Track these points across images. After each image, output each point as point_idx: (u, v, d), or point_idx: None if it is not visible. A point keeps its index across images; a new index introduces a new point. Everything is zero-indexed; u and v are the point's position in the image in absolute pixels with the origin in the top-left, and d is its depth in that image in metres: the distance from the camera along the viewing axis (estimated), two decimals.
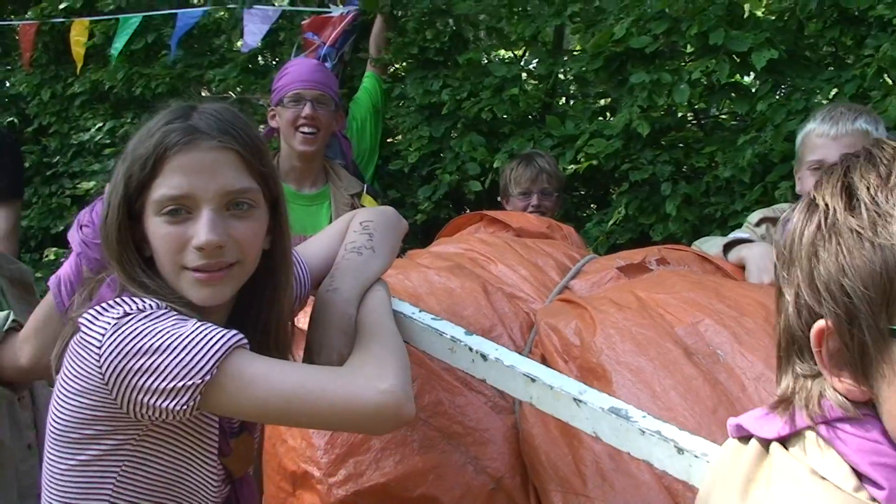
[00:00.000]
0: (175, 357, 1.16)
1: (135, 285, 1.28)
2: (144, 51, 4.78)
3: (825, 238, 0.79)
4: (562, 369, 1.52)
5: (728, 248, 2.05)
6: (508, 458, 1.57)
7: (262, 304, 1.39)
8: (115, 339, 1.17)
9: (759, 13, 3.39)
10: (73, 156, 5.17)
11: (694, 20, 2.97)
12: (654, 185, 3.14)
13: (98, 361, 1.18)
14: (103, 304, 1.23)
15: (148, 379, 1.16)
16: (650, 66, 3.09)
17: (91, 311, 1.23)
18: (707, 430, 1.28)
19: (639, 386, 1.45)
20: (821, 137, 2.15)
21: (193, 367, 1.16)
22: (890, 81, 2.84)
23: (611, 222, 3.22)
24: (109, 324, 1.19)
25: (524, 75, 3.83)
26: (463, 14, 3.79)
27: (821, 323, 0.79)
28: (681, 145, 3.20)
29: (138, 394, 1.17)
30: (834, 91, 2.90)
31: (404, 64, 3.93)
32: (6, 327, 1.77)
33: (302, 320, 1.53)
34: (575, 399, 1.25)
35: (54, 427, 1.26)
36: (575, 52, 3.83)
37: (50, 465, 1.29)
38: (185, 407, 1.17)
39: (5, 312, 1.81)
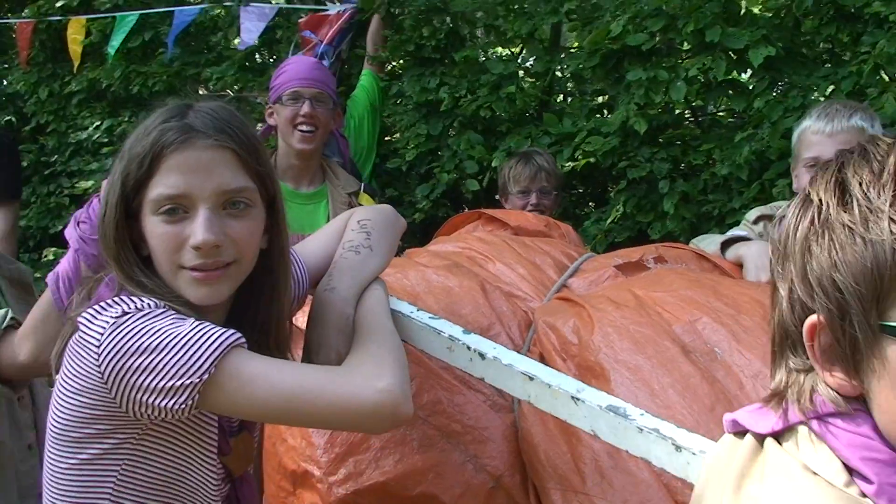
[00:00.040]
0: (173, 356, 1.17)
1: (133, 284, 1.28)
2: (141, 49, 4.78)
3: (818, 233, 0.80)
4: (560, 368, 1.52)
5: (726, 245, 2.05)
6: (508, 457, 1.57)
7: (260, 303, 1.39)
8: (113, 338, 1.18)
9: (755, 10, 3.40)
10: (70, 155, 5.16)
11: (690, 17, 2.97)
12: (652, 182, 3.14)
13: (97, 360, 1.18)
14: (102, 304, 1.23)
15: (146, 378, 1.17)
16: (647, 63, 3.10)
17: (90, 310, 1.23)
18: (705, 428, 1.28)
19: (637, 384, 1.46)
20: (816, 134, 2.16)
21: (191, 366, 1.17)
22: (886, 78, 2.84)
23: (609, 220, 3.22)
24: (108, 323, 1.19)
25: (521, 73, 3.82)
26: (460, 11, 3.79)
27: (813, 318, 0.80)
28: (678, 143, 3.21)
29: (137, 392, 1.17)
30: (831, 88, 2.90)
31: (401, 61, 3.92)
32: (4, 325, 1.77)
33: (300, 319, 1.53)
34: (573, 397, 1.26)
35: (54, 426, 1.26)
36: (572, 50, 3.83)
37: (51, 464, 1.29)
38: (183, 406, 1.17)
39: (3, 310, 1.81)
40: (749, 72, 3.16)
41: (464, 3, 3.75)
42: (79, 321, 1.23)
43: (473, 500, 1.53)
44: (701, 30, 2.94)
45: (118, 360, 1.17)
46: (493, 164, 3.40)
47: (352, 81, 3.88)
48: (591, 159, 3.21)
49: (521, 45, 4.01)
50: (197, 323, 1.22)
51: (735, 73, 3.17)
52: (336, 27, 3.86)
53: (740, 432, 0.89)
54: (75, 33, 4.81)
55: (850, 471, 0.78)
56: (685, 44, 3.19)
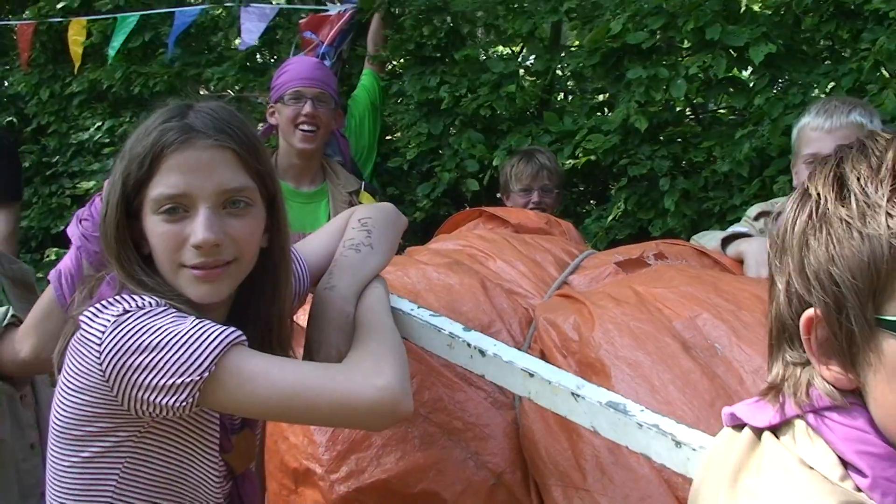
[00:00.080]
0: (174, 354, 1.17)
1: (134, 283, 1.29)
2: (142, 49, 4.79)
3: (816, 227, 0.80)
4: (561, 364, 1.52)
5: (726, 242, 2.05)
6: (509, 454, 1.58)
7: (261, 302, 1.40)
8: (114, 337, 1.18)
9: (755, 8, 3.39)
10: (72, 155, 5.17)
11: (690, 15, 2.98)
12: (653, 180, 3.14)
13: (98, 358, 1.19)
14: (103, 302, 1.24)
15: (147, 376, 1.17)
16: (647, 61, 3.10)
17: (91, 309, 1.23)
18: (705, 424, 1.28)
19: (637, 380, 1.46)
20: (815, 131, 2.16)
21: (192, 364, 1.17)
22: (886, 75, 2.84)
23: (610, 218, 3.22)
24: (109, 321, 1.20)
25: (522, 71, 3.83)
26: (460, 11, 3.79)
27: (810, 311, 0.80)
28: (679, 140, 3.21)
29: (138, 390, 1.18)
30: (831, 85, 2.90)
31: (402, 61, 3.93)
32: (6, 322, 1.78)
33: (301, 317, 1.53)
34: (573, 394, 1.26)
35: (56, 424, 1.27)
36: (572, 48, 3.83)
37: (53, 462, 1.30)
38: (184, 403, 1.18)
39: (5, 307, 1.82)
40: (749, 69, 3.16)
41: (464, 3, 3.75)
42: (80, 320, 1.23)
43: (475, 497, 1.53)
44: (701, 28, 2.94)
45: (119, 359, 1.18)
46: (494, 163, 3.41)
47: (352, 81, 3.88)
48: (592, 157, 3.22)
49: (521, 44, 4.01)
50: (197, 321, 1.22)
51: (735, 71, 3.17)
52: (337, 28, 3.86)
53: (739, 426, 0.90)
54: (76, 34, 4.82)
55: (846, 464, 0.79)
56: (685, 42, 3.19)
